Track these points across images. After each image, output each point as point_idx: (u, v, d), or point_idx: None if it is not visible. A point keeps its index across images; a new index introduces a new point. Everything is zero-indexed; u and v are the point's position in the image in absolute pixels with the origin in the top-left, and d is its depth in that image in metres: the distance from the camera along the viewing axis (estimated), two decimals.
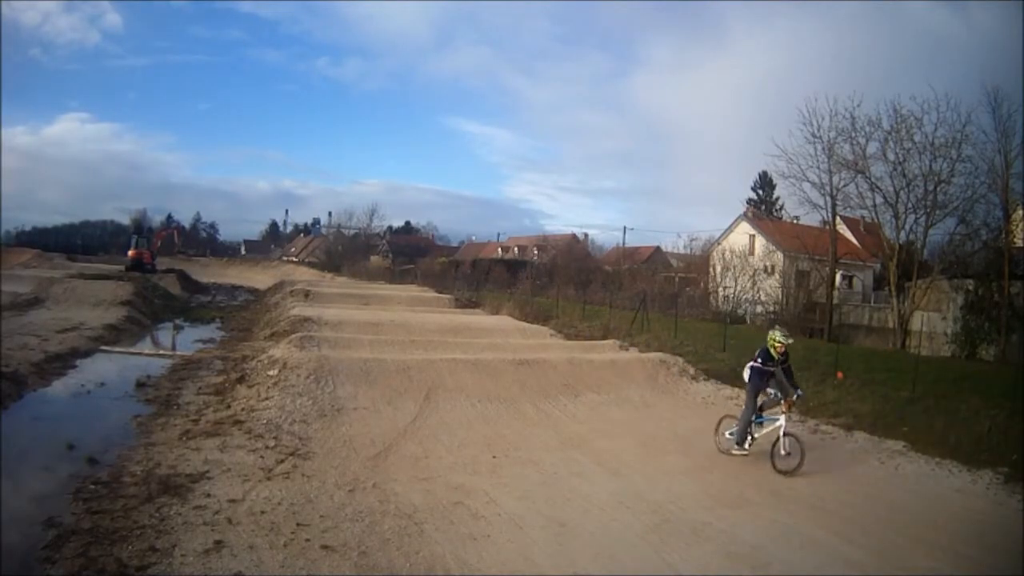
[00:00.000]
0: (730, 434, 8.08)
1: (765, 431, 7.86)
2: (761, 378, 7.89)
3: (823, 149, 23.44)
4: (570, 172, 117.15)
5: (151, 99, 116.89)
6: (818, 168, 23.71)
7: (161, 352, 14.20)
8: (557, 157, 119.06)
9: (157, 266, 36.40)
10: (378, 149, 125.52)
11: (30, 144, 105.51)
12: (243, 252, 78.99)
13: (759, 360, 7.85)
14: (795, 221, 30.26)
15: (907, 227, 22.67)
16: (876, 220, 23.77)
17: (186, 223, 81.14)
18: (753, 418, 7.95)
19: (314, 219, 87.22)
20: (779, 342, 7.77)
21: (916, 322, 21.96)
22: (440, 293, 29.46)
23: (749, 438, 7.92)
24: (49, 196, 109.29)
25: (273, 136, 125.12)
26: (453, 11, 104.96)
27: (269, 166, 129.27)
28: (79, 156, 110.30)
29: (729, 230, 33.33)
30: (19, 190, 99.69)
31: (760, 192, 48.27)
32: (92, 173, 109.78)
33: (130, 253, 37.28)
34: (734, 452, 7.94)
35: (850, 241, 29.90)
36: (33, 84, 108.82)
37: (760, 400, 7.98)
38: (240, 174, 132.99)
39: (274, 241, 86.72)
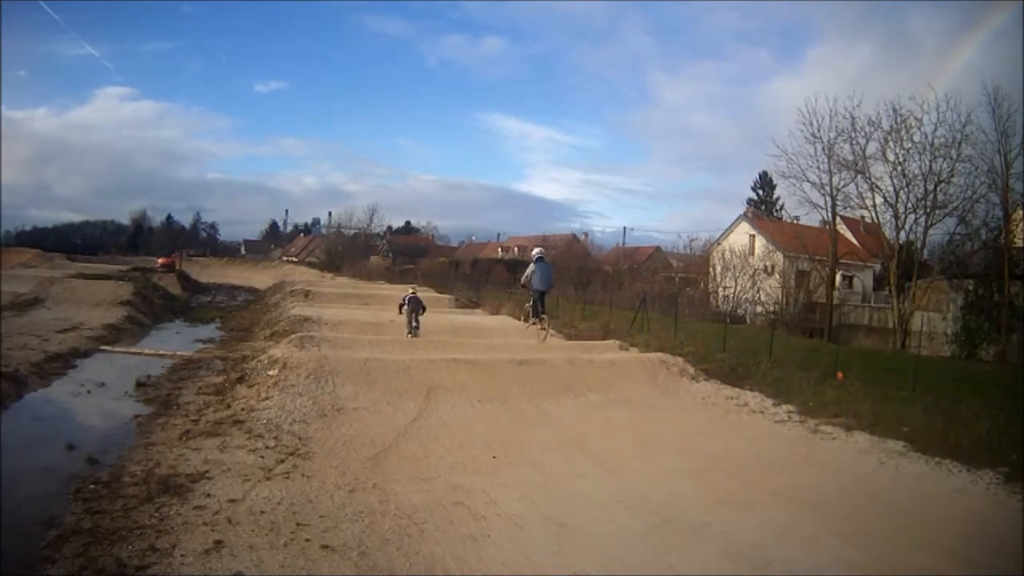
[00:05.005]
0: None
1: None
2: None
3: (823, 149, 23.48)
4: (642, 175, 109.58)
5: (208, 75, 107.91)
6: (818, 168, 23.77)
7: (161, 352, 14.20)
8: (638, 157, 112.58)
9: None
10: (437, 144, 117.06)
11: (51, 129, 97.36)
12: (243, 252, 79.08)
13: None
14: (795, 221, 30.22)
15: (907, 227, 22.71)
16: (876, 220, 23.79)
17: (209, 222, 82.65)
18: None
19: (314, 219, 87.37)
20: None
21: (916, 322, 21.98)
22: (440, 293, 29.43)
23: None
24: (66, 191, 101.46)
25: (336, 127, 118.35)
26: None
27: (327, 158, 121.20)
28: (109, 144, 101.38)
29: (729, 230, 33.32)
30: (32, 184, 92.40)
31: (760, 192, 48.34)
32: (122, 164, 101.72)
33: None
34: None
35: (850, 241, 29.87)
36: (67, 51, 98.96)
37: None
38: (287, 169, 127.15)
39: (274, 241, 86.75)
